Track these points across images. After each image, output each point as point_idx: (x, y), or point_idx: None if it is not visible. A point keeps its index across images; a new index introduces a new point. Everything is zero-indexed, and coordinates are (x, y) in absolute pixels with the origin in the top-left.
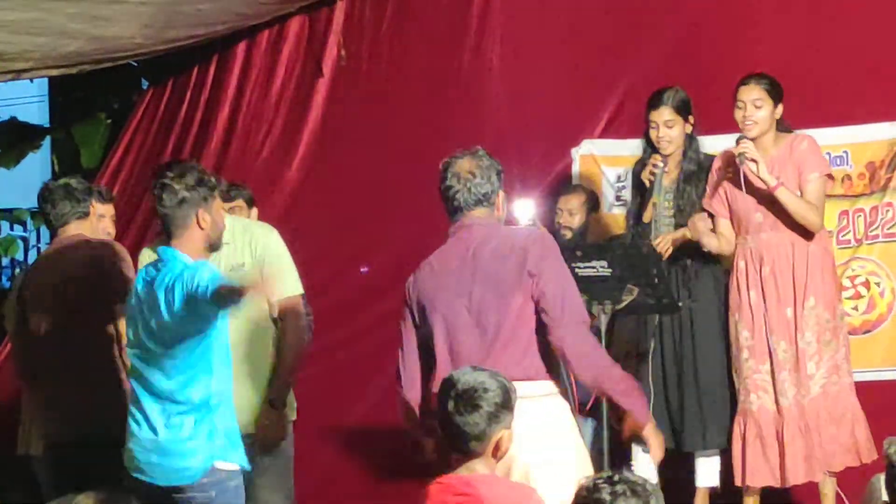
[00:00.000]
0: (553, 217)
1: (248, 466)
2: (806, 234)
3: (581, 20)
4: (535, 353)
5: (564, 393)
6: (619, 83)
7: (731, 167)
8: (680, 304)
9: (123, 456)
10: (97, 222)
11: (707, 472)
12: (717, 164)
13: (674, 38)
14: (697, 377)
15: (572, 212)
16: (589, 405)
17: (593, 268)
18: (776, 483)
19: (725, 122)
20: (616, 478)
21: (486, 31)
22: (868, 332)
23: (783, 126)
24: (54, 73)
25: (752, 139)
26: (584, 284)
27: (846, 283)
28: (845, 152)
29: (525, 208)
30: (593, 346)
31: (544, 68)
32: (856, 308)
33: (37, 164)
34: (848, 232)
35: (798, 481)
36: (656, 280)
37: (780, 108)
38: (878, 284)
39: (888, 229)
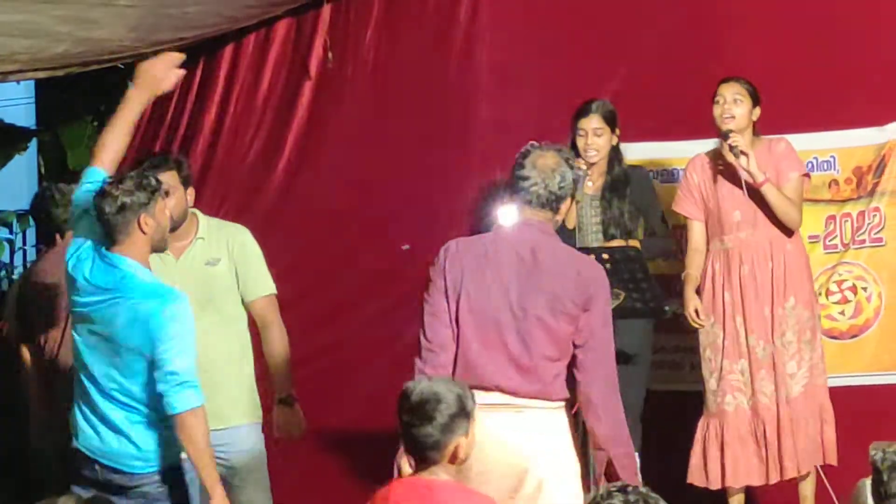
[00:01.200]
0: None
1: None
2: (784, 231)
3: (569, 26)
4: (563, 377)
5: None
6: (608, 87)
7: (721, 162)
8: (666, 308)
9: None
10: None
11: None
12: (690, 169)
13: (661, 43)
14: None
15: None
16: (574, 410)
17: None
18: (761, 482)
19: (710, 126)
20: (630, 488)
21: (474, 34)
22: (855, 336)
23: (757, 133)
24: (41, 75)
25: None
26: None
27: (833, 287)
28: (832, 157)
29: (510, 214)
30: (617, 403)
31: (532, 71)
32: (843, 313)
33: (23, 167)
34: (835, 237)
35: (784, 478)
36: (643, 284)
37: (758, 111)
38: (865, 289)
39: (875, 234)
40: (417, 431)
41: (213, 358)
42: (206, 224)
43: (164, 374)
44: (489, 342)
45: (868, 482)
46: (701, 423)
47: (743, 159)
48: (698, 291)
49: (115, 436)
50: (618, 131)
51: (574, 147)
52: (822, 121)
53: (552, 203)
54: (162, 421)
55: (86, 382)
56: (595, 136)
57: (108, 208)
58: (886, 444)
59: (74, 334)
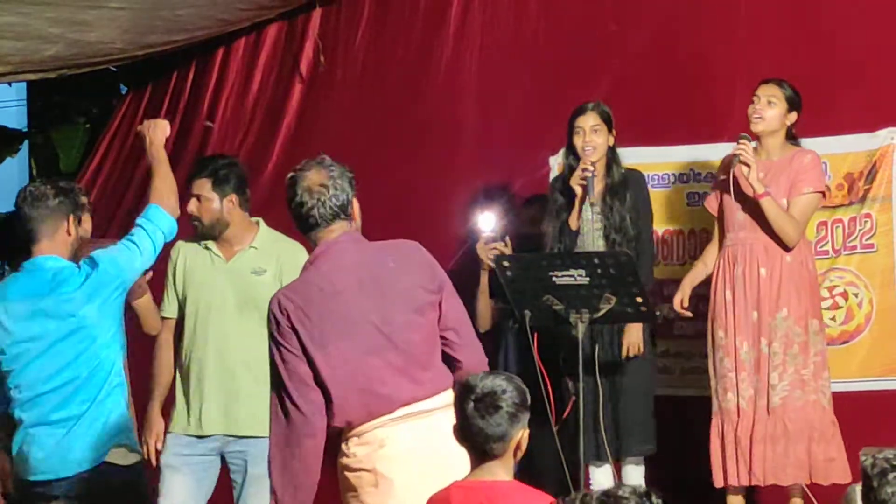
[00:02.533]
0: (518, 224)
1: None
2: (782, 243)
3: (560, 28)
4: (443, 364)
5: None
6: (599, 90)
7: (726, 169)
8: (658, 312)
9: (17, 469)
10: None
11: (635, 479)
12: (720, 169)
13: (651, 47)
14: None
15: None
16: (566, 413)
17: (571, 276)
18: (743, 482)
19: (705, 132)
20: (640, 490)
21: (464, 38)
22: (846, 342)
23: (794, 140)
24: (33, 77)
25: (756, 137)
26: (562, 293)
27: (824, 293)
28: (824, 163)
29: (488, 220)
30: (482, 355)
31: (523, 76)
32: (833, 318)
33: (15, 169)
34: (826, 243)
35: (746, 483)
36: (633, 289)
37: (794, 116)
38: (856, 295)
39: (866, 240)
40: (485, 423)
41: (247, 360)
42: (264, 235)
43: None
44: (373, 371)
45: (858, 488)
46: (712, 423)
47: (745, 169)
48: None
49: (57, 442)
50: (614, 132)
51: (571, 147)
52: (813, 127)
53: (339, 214)
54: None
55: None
56: (592, 133)
57: (40, 199)
58: (876, 449)
59: (13, 365)
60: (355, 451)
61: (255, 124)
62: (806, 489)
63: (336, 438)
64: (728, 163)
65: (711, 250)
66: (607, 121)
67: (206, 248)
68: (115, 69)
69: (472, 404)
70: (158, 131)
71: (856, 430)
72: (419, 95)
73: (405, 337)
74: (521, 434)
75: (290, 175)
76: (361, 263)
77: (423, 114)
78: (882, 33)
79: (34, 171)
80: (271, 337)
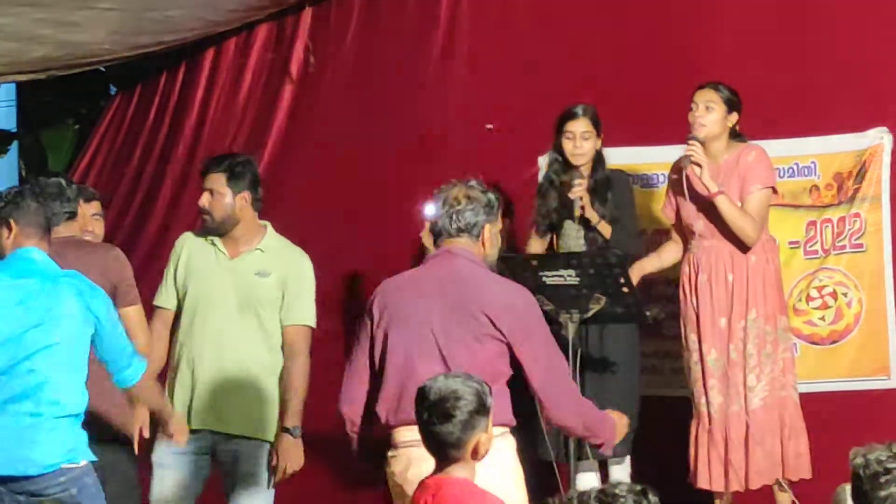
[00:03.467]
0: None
1: (95, 459)
2: (743, 245)
3: (549, 29)
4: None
5: None
6: (587, 91)
7: (678, 171)
8: (647, 313)
9: None
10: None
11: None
12: (672, 172)
13: (640, 48)
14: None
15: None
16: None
17: (561, 276)
18: (717, 487)
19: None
20: (586, 494)
21: (454, 38)
22: (835, 342)
23: (739, 137)
24: (22, 78)
25: (701, 141)
26: (552, 293)
27: (813, 293)
28: (813, 163)
29: (431, 209)
30: (567, 393)
31: (512, 75)
32: (823, 318)
33: (4, 169)
34: (815, 242)
35: (734, 488)
36: (623, 289)
37: (735, 116)
38: (845, 295)
39: (855, 240)
40: (437, 430)
41: (242, 360)
42: (271, 239)
43: (120, 349)
44: (418, 376)
45: (847, 487)
46: (691, 425)
47: (697, 170)
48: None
49: (23, 440)
50: (601, 135)
51: (560, 150)
52: (802, 127)
53: (464, 230)
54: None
55: None
56: (583, 139)
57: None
58: (866, 449)
59: None
60: (394, 465)
61: (245, 125)
62: (783, 482)
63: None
64: (679, 166)
65: (670, 246)
66: (597, 126)
67: (213, 243)
68: (104, 70)
69: (426, 412)
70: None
71: (845, 429)
72: (409, 95)
73: (455, 353)
74: (478, 438)
75: (436, 189)
76: (453, 279)
77: (412, 113)
78: (872, 33)
79: (23, 172)
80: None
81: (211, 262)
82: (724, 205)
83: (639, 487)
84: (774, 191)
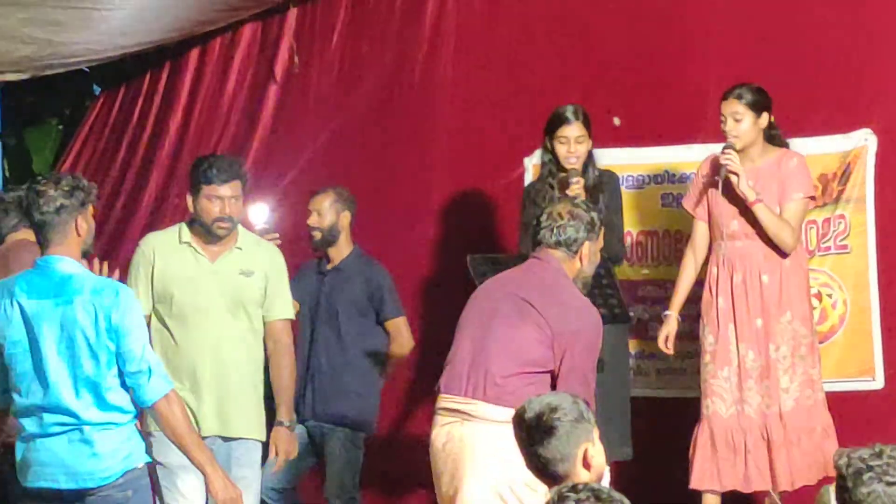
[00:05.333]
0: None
1: (151, 460)
2: (778, 249)
3: (535, 29)
4: (524, 393)
5: None
6: (573, 92)
7: (716, 174)
8: (631, 314)
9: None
10: None
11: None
12: (702, 169)
13: (627, 48)
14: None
15: (321, 212)
16: None
17: None
18: (726, 488)
19: (678, 132)
20: (580, 486)
21: (440, 40)
22: (820, 343)
23: (776, 134)
24: (6, 77)
25: (737, 150)
26: None
27: None
28: None
29: (259, 212)
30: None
31: (498, 77)
32: None
33: None
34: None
35: (760, 488)
36: (608, 290)
37: (766, 117)
38: (830, 296)
39: (840, 241)
40: (541, 448)
41: (239, 361)
42: (246, 237)
43: (134, 367)
44: (462, 352)
45: (831, 488)
46: (696, 426)
47: (733, 178)
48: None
49: (72, 447)
50: (591, 135)
51: (552, 153)
52: (787, 128)
53: (562, 244)
54: (126, 421)
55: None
56: (577, 143)
57: (47, 208)
58: (850, 449)
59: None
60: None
61: (230, 126)
62: (773, 494)
63: None
64: (716, 165)
65: (689, 263)
66: (589, 127)
67: (190, 245)
68: (87, 70)
69: (524, 434)
70: None
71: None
72: (395, 95)
73: (497, 330)
74: (585, 449)
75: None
76: (532, 276)
77: (399, 113)
78: (857, 34)
79: (6, 172)
80: None
81: (192, 266)
82: (762, 213)
83: (595, 486)
84: (813, 199)
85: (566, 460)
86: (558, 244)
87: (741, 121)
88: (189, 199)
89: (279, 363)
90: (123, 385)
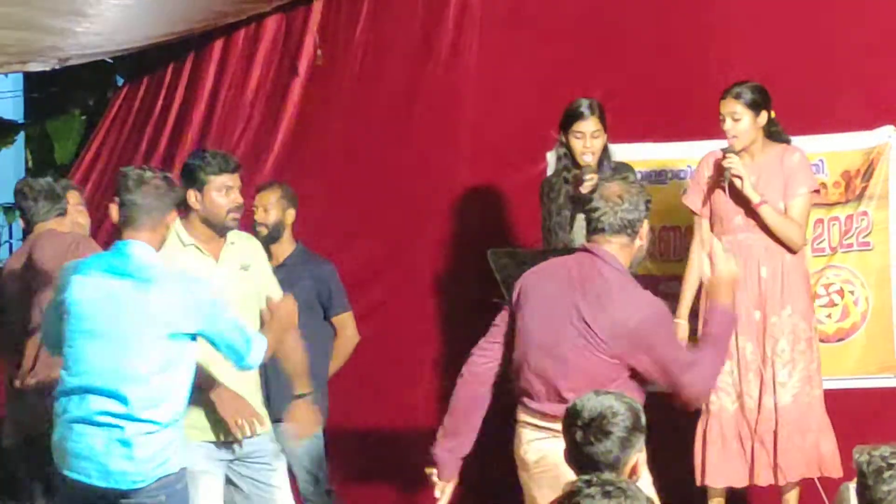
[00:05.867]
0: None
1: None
2: (786, 246)
3: (558, 24)
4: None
5: None
6: (596, 87)
7: (718, 174)
8: None
9: (56, 454)
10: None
11: None
12: (702, 167)
13: (650, 45)
14: None
15: (267, 208)
16: None
17: None
18: (739, 483)
19: (700, 128)
20: (594, 479)
21: (463, 34)
22: (841, 340)
23: (777, 130)
24: (30, 68)
25: (737, 152)
26: None
27: (821, 291)
28: (821, 161)
29: None
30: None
31: (521, 71)
32: (829, 316)
33: (10, 160)
34: (823, 240)
35: (762, 483)
36: None
37: (765, 115)
38: (852, 293)
39: (863, 238)
40: (594, 449)
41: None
42: (232, 231)
43: (239, 336)
44: (529, 366)
45: (852, 486)
46: (699, 423)
47: (737, 182)
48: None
49: (110, 445)
50: (607, 129)
51: (567, 148)
52: (811, 124)
53: (626, 227)
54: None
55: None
56: (593, 138)
57: (155, 192)
58: (871, 447)
59: (77, 342)
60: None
61: (254, 118)
62: (817, 482)
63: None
64: (719, 166)
65: (692, 264)
66: (604, 122)
67: (195, 246)
68: (111, 61)
69: (580, 431)
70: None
71: (851, 427)
72: (418, 91)
73: (565, 353)
74: (636, 458)
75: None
76: (584, 277)
77: (421, 108)
78: (880, 31)
79: (30, 163)
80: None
81: (200, 266)
82: (768, 215)
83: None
84: (817, 192)
85: (616, 467)
86: (623, 228)
87: (740, 120)
88: (192, 196)
89: (286, 340)
90: (177, 386)
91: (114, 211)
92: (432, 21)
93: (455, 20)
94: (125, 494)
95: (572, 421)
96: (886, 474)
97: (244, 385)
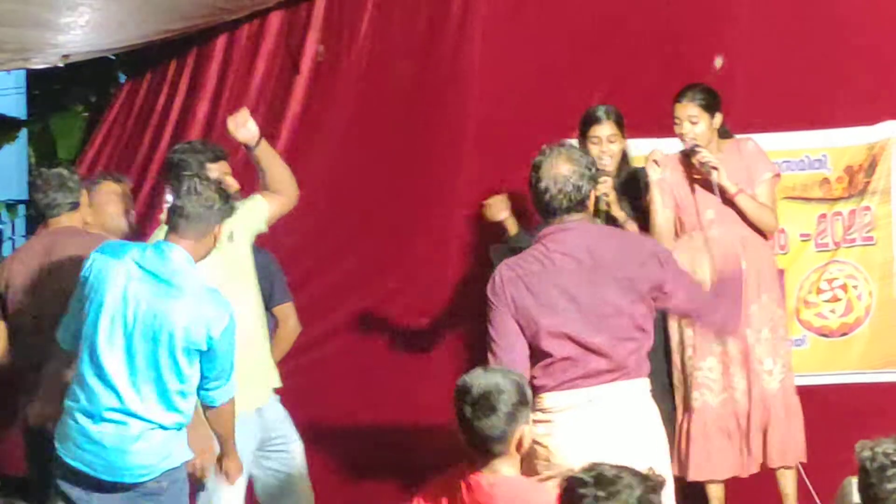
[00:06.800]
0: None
1: (192, 457)
2: (761, 232)
3: (563, 20)
4: (635, 358)
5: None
6: (603, 81)
7: (691, 170)
8: None
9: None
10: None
11: None
12: (653, 167)
13: (655, 41)
14: None
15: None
16: None
17: None
18: (722, 476)
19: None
20: (594, 470)
21: (467, 29)
22: (845, 334)
23: (725, 129)
24: (32, 65)
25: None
26: None
27: (824, 286)
28: (824, 156)
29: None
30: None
31: (526, 66)
32: (833, 311)
33: (13, 157)
34: (826, 235)
35: (755, 471)
36: None
37: (719, 117)
38: (855, 287)
39: (866, 233)
40: (482, 424)
41: (256, 331)
42: None
43: (218, 373)
44: (562, 349)
45: (854, 480)
46: (679, 421)
47: (714, 174)
48: None
49: (117, 439)
50: (625, 134)
51: (585, 152)
52: (814, 119)
53: (582, 202)
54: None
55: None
56: (609, 143)
57: (207, 201)
58: (874, 442)
59: (100, 335)
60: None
61: (258, 114)
62: (801, 468)
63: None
64: (685, 165)
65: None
66: (622, 126)
67: None
68: (113, 57)
69: (469, 407)
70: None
71: (854, 422)
72: (423, 87)
73: (605, 320)
74: (521, 430)
75: (536, 158)
76: (585, 247)
77: (426, 104)
78: (883, 27)
79: (32, 159)
80: (488, 297)
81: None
82: (745, 203)
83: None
84: (778, 176)
85: (503, 440)
86: (580, 205)
87: (697, 123)
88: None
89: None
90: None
91: (164, 212)
92: (437, 17)
93: (459, 15)
94: (129, 487)
95: (462, 396)
96: (890, 472)
97: (255, 351)
